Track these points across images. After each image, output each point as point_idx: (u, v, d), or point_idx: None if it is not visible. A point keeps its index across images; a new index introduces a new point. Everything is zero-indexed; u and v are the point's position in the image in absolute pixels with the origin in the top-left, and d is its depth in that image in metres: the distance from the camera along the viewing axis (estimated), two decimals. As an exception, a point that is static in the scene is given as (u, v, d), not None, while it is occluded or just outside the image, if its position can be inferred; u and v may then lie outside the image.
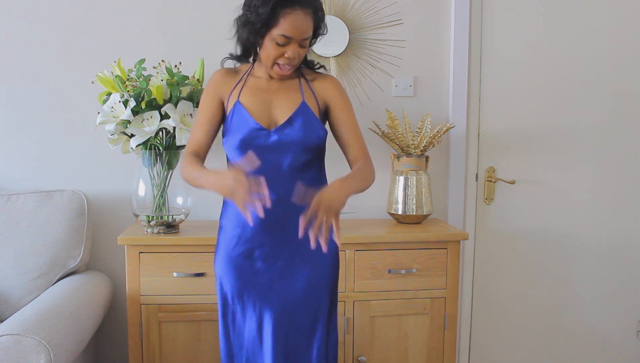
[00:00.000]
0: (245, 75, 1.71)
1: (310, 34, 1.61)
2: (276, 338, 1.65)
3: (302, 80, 1.71)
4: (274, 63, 1.61)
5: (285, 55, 1.58)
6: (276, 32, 1.55)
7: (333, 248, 1.67)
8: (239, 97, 1.67)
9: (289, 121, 1.64)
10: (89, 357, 2.16)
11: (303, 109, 1.65)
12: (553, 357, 2.69)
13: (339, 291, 2.07)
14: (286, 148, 1.63)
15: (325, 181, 1.74)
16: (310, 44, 1.70)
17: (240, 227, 1.67)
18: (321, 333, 1.69)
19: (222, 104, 1.70)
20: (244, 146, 1.63)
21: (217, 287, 1.73)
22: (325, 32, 1.69)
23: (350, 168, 1.69)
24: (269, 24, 1.55)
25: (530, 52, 2.54)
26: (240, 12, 1.63)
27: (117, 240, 2.05)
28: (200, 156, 1.69)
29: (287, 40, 1.56)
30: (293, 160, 1.64)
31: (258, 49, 1.66)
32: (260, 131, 1.63)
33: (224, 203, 1.74)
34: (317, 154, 1.70)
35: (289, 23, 1.54)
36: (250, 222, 1.45)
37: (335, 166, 1.86)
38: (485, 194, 2.59)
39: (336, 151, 1.76)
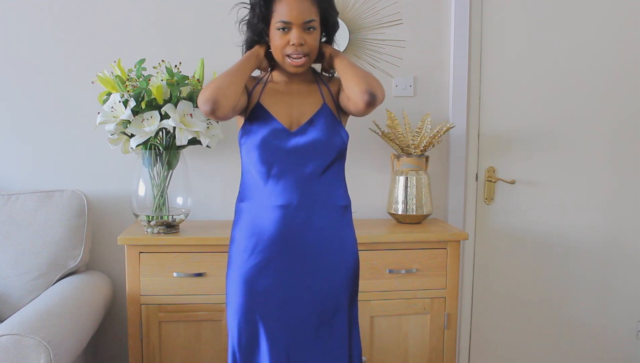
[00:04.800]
0: (265, 79, 1.69)
1: (313, 17, 1.55)
2: (289, 356, 1.57)
3: (321, 84, 1.69)
4: (284, 56, 1.58)
5: (290, 42, 1.55)
6: (275, 21, 1.55)
7: (354, 258, 1.65)
8: (259, 98, 1.63)
9: (310, 122, 1.60)
10: (89, 357, 2.16)
11: (324, 110, 1.62)
12: (553, 356, 2.69)
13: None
14: (308, 150, 1.58)
15: (345, 187, 1.67)
16: (328, 35, 1.67)
17: (255, 237, 1.58)
18: (340, 344, 1.61)
19: (247, 89, 1.64)
20: (264, 146, 1.57)
21: (227, 304, 1.62)
22: (335, 15, 1.65)
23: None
24: (267, 16, 1.57)
25: (530, 52, 2.54)
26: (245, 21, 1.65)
27: (117, 240, 2.05)
28: None
29: (287, 25, 1.54)
30: (314, 163, 1.58)
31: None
32: (281, 132, 1.58)
33: (236, 212, 1.66)
34: (340, 158, 1.63)
35: (284, 7, 1.54)
36: None
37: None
38: (485, 194, 2.60)
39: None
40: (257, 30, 1.62)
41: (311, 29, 1.56)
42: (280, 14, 1.54)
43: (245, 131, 1.61)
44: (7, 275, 2.09)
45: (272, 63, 1.69)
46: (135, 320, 2.05)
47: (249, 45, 1.67)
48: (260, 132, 1.58)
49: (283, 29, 1.55)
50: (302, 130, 1.59)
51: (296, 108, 1.62)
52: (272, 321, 1.58)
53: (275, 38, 1.57)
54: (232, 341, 1.61)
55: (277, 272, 1.58)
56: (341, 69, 1.61)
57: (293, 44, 1.55)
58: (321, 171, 1.59)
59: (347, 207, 1.65)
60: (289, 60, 1.58)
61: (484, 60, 2.53)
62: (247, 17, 1.64)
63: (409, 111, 2.44)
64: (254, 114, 1.61)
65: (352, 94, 1.55)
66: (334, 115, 1.63)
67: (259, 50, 1.65)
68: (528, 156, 2.59)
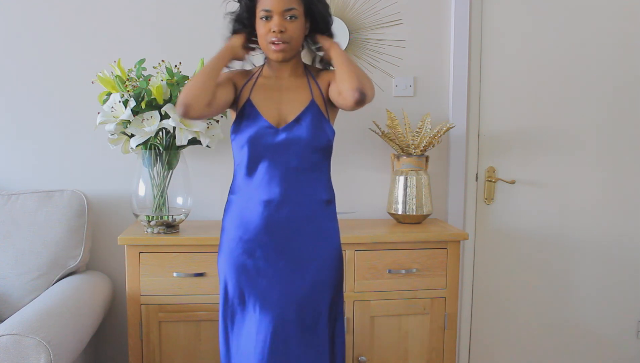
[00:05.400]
0: (256, 75, 1.74)
1: (293, 6, 1.61)
2: (273, 341, 1.61)
3: (310, 78, 1.73)
4: (267, 43, 1.63)
5: (271, 29, 1.61)
6: (258, 10, 1.63)
7: (336, 250, 1.69)
8: (250, 95, 1.69)
9: (297, 120, 1.65)
10: (89, 357, 2.16)
11: (312, 107, 1.67)
12: (553, 356, 2.69)
13: (339, 291, 2.09)
14: (294, 147, 1.64)
15: (329, 182, 1.73)
16: (319, 27, 1.70)
17: (243, 227, 1.66)
18: (323, 336, 1.66)
19: (235, 89, 1.70)
20: (252, 143, 1.64)
21: (220, 285, 1.72)
22: (321, 7, 1.68)
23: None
24: (252, 8, 1.64)
25: (530, 52, 2.54)
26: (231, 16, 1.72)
27: (117, 240, 2.05)
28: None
29: (268, 13, 1.61)
30: (300, 159, 1.64)
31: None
32: (268, 129, 1.64)
33: (227, 203, 1.74)
34: (325, 154, 1.69)
35: None
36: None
37: (336, 167, 1.85)
38: (485, 194, 2.59)
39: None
40: (243, 21, 1.68)
41: (292, 18, 1.62)
42: (263, 3, 1.62)
43: (235, 127, 1.68)
44: (7, 275, 2.09)
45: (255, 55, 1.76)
46: (135, 320, 2.05)
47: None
48: (249, 130, 1.65)
49: (266, 17, 1.62)
50: (289, 128, 1.64)
51: (285, 105, 1.68)
52: (260, 302, 1.64)
53: (260, 27, 1.64)
54: (224, 314, 1.70)
55: (263, 260, 1.65)
56: (337, 63, 1.64)
57: (274, 31, 1.61)
58: (306, 167, 1.66)
59: (330, 201, 1.71)
60: (271, 47, 1.63)
61: (484, 60, 2.53)
62: (236, 11, 1.71)
63: (409, 111, 2.44)
64: (244, 111, 1.67)
65: (344, 90, 1.59)
66: (321, 112, 1.68)
67: (233, 41, 1.69)
68: (528, 156, 2.59)
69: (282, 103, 1.68)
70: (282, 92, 1.69)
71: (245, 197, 1.67)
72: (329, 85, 1.70)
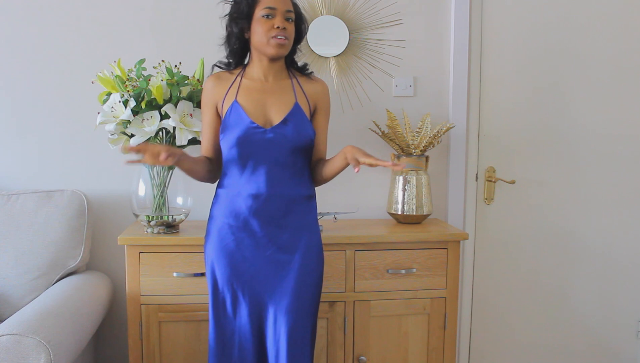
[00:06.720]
0: (239, 77, 1.81)
1: (292, 9, 1.75)
2: (275, 325, 1.72)
3: (294, 81, 1.83)
4: (269, 39, 1.71)
5: (275, 25, 1.70)
6: (260, 9, 1.72)
7: (318, 241, 1.78)
8: (236, 96, 1.77)
9: (284, 121, 1.74)
10: (89, 357, 2.16)
11: (296, 110, 1.77)
12: (553, 357, 2.69)
13: (338, 291, 2.11)
14: (280, 146, 1.73)
15: (311, 180, 1.83)
16: (299, 36, 1.82)
17: (232, 217, 1.75)
18: (305, 326, 1.73)
19: (217, 109, 1.81)
20: (241, 143, 1.72)
21: (207, 272, 1.79)
22: (303, 27, 1.83)
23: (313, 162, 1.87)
24: (251, 7, 1.72)
25: (530, 51, 2.54)
26: (226, 19, 1.81)
27: (117, 240, 2.05)
28: (212, 159, 1.84)
29: (272, 11, 1.71)
30: (285, 158, 1.74)
31: (249, 46, 1.79)
32: (256, 130, 1.73)
33: (215, 196, 1.83)
34: (306, 153, 1.80)
35: None
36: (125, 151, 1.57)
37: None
38: (485, 194, 2.60)
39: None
40: (242, 18, 1.74)
41: (290, 20, 1.75)
42: (266, 1, 1.72)
43: (224, 128, 1.76)
44: (7, 275, 2.09)
45: (241, 60, 1.85)
46: (135, 320, 2.05)
47: (230, 41, 1.81)
48: (236, 131, 1.73)
49: (268, 15, 1.71)
50: (277, 128, 1.74)
51: (270, 107, 1.77)
52: (249, 289, 1.74)
53: (259, 25, 1.72)
54: (214, 301, 1.77)
55: (252, 246, 1.74)
56: (334, 170, 1.77)
57: (277, 27, 1.71)
58: (290, 165, 1.76)
59: (311, 196, 1.82)
60: (273, 41, 1.71)
61: (484, 60, 2.53)
62: (232, 14, 1.78)
63: (409, 111, 2.44)
64: (232, 112, 1.75)
65: (319, 177, 1.83)
66: (304, 114, 1.78)
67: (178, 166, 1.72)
68: (528, 156, 2.59)
69: (267, 105, 1.77)
70: (267, 94, 1.78)
71: (234, 191, 1.76)
72: (315, 105, 1.83)
